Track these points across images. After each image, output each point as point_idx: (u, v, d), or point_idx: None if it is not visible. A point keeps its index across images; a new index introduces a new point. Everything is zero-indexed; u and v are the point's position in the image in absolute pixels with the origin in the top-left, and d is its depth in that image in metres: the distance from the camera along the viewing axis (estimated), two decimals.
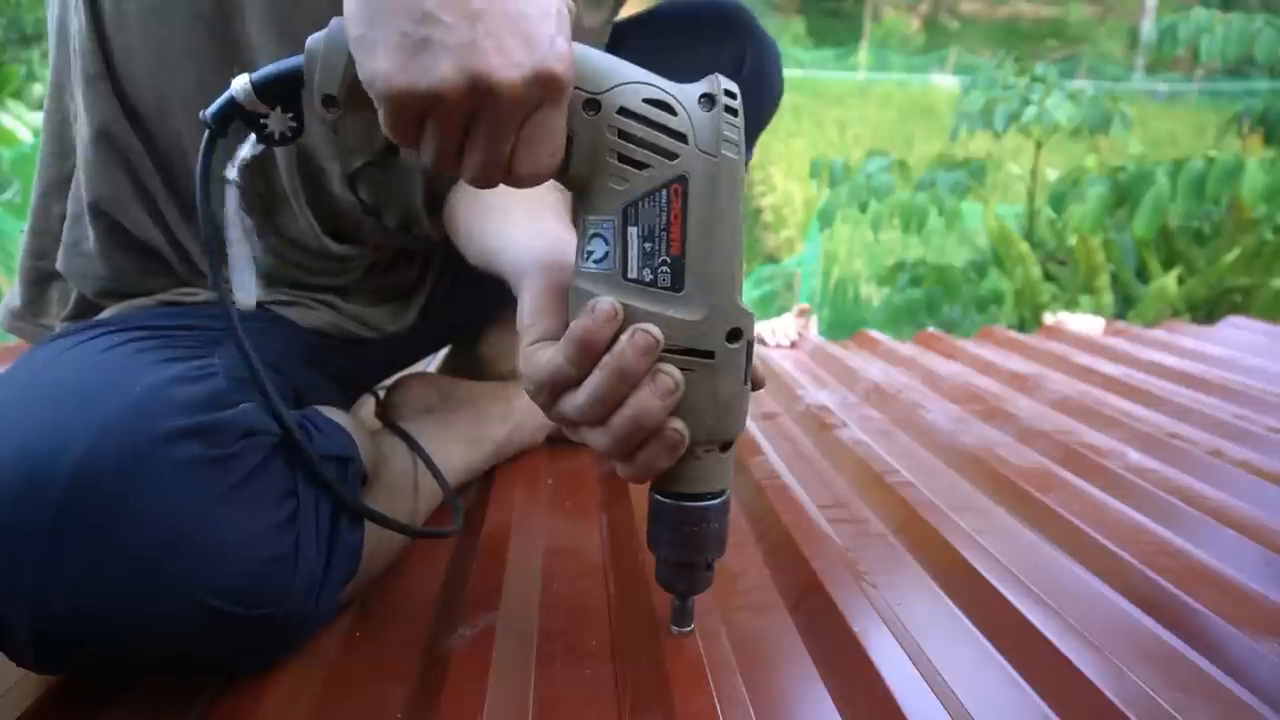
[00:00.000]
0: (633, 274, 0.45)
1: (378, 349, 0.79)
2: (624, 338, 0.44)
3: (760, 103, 0.87)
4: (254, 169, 0.50)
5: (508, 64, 0.39)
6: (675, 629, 0.56)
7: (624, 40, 0.79)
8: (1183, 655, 0.56)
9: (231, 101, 0.46)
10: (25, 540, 0.44)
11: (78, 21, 0.63)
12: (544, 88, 0.41)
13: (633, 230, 0.44)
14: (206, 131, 0.47)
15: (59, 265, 0.68)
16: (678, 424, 0.46)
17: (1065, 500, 0.80)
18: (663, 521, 0.51)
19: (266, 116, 0.46)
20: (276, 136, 0.47)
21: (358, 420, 0.68)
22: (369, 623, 0.62)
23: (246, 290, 0.52)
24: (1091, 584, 0.66)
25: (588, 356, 0.44)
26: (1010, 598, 0.61)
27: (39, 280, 0.71)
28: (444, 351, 1.07)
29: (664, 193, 0.44)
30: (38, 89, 5.30)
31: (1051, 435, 0.98)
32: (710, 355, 0.46)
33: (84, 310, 0.69)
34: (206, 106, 0.46)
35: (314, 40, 0.44)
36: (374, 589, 0.66)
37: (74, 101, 0.66)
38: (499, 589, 0.64)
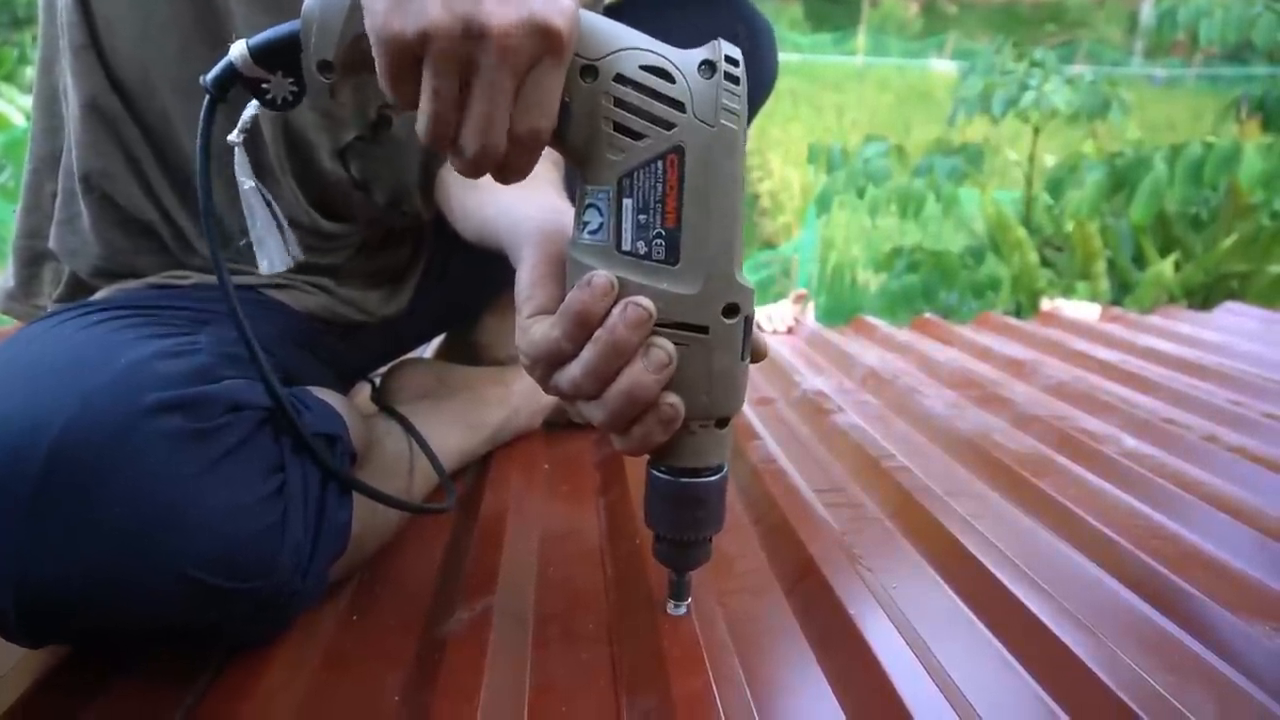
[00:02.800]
0: (626, 246, 0.44)
1: (372, 334, 0.79)
2: (615, 311, 0.43)
3: (754, 84, 0.87)
4: (244, 139, 0.50)
5: (503, 9, 0.39)
6: (672, 604, 0.56)
7: (614, 17, 0.79)
8: (1176, 638, 0.57)
9: (230, 67, 0.45)
10: (6, 513, 0.44)
11: None
12: (542, 40, 0.40)
13: (627, 202, 0.44)
14: (207, 96, 0.47)
15: (52, 243, 0.68)
16: (672, 398, 0.45)
17: (1060, 485, 0.80)
18: (659, 497, 0.51)
19: (267, 81, 0.46)
20: (279, 101, 0.47)
21: (350, 402, 0.68)
22: (366, 605, 0.62)
23: (272, 254, 0.52)
24: (1086, 568, 0.66)
25: (583, 330, 0.44)
26: (1005, 581, 0.62)
27: (32, 260, 0.71)
28: (440, 337, 1.07)
29: (659, 163, 0.43)
30: (29, 72, 5.26)
31: (1047, 420, 0.99)
32: (705, 330, 0.45)
33: (76, 291, 0.68)
34: (191, 79, 0.46)
35: (310, 5, 0.43)
36: (371, 571, 0.66)
37: (63, 75, 0.65)
38: (496, 572, 0.64)
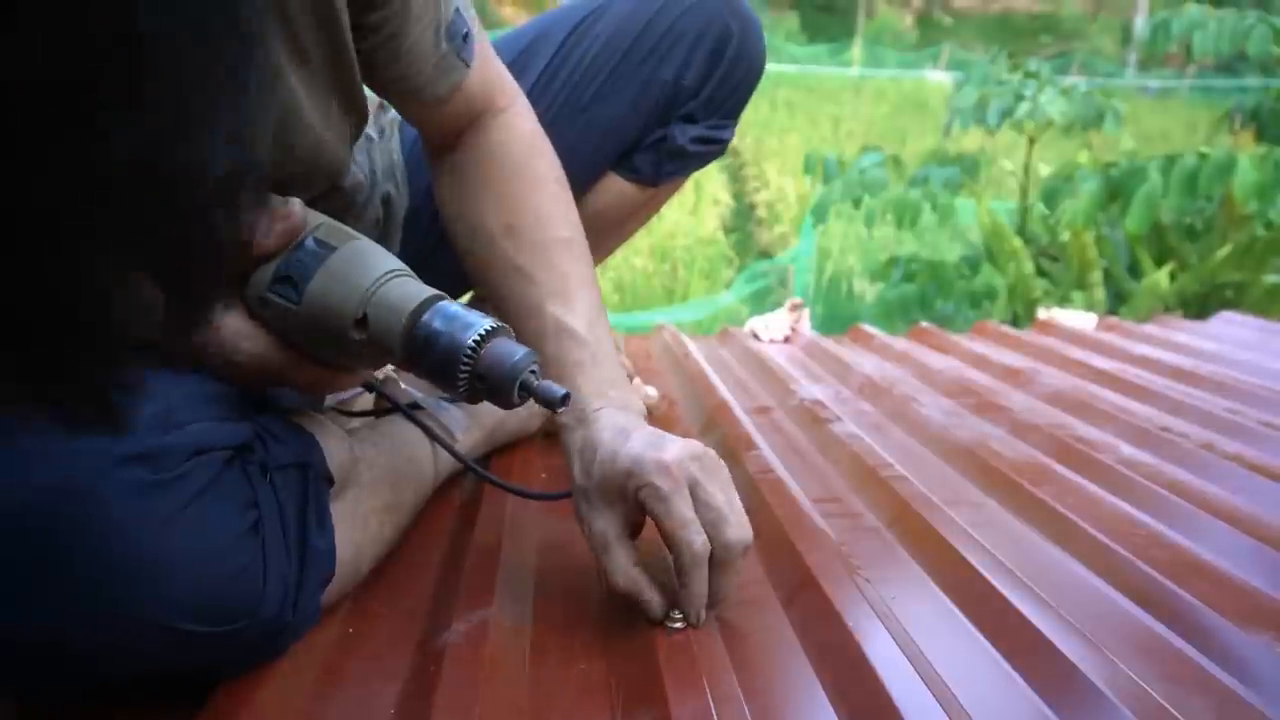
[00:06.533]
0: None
1: None
2: None
3: (743, 72, 0.92)
4: None
5: None
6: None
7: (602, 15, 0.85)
8: (1175, 647, 0.56)
9: None
10: None
11: None
12: None
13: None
14: None
15: None
16: None
17: (1058, 494, 0.80)
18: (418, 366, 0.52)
19: None
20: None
21: (332, 426, 0.66)
22: (362, 619, 0.62)
23: None
24: (1084, 577, 0.66)
25: None
26: (1003, 591, 0.61)
27: None
28: None
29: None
30: None
31: (1044, 429, 0.99)
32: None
33: None
34: None
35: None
36: (367, 584, 0.66)
37: None
38: (492, 585, 0.64)
